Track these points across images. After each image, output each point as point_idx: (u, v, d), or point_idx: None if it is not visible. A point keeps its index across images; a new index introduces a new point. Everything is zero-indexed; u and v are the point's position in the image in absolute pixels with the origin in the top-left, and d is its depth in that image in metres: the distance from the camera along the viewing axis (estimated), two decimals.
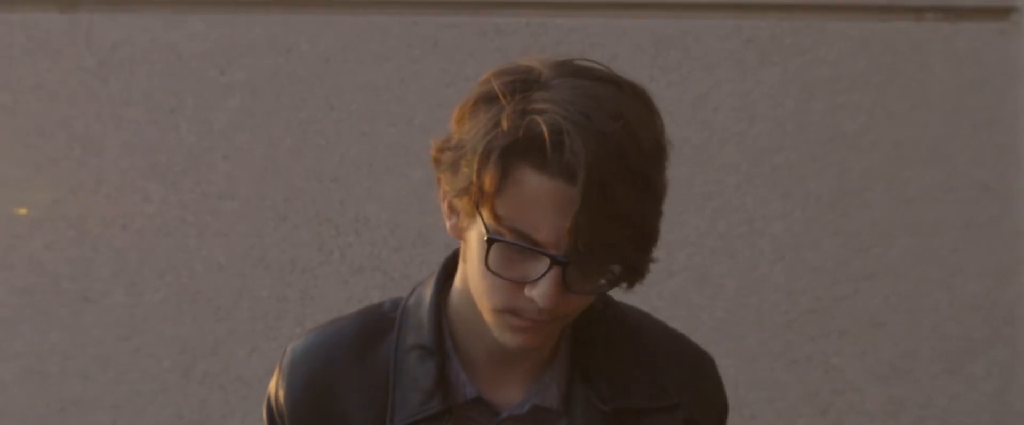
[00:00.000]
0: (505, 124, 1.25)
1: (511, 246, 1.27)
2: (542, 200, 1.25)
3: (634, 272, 1.31)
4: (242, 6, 2.40)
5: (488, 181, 1.25)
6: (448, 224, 1.34)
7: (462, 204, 1.30)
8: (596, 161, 1.23)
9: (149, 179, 2.33)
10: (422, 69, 2.37)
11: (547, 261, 1.26)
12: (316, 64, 2.37)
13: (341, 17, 2.39)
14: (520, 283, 1.28)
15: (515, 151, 1.25)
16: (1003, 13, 2.41)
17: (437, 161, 1.32)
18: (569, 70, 1.31)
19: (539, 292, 1.26)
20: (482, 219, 1.28)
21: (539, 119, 1.25)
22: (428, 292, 1.40)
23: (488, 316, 1.32)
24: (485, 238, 1.28)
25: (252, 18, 2.39)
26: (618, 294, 1.36)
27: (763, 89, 2.30)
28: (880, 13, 2.41)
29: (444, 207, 1.34)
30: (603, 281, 1.31)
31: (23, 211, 2.25)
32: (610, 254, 1.27)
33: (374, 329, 1.40)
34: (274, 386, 1.40)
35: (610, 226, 1.24)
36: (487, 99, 1.28)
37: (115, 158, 2.33)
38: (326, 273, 2.31)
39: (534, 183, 1.25)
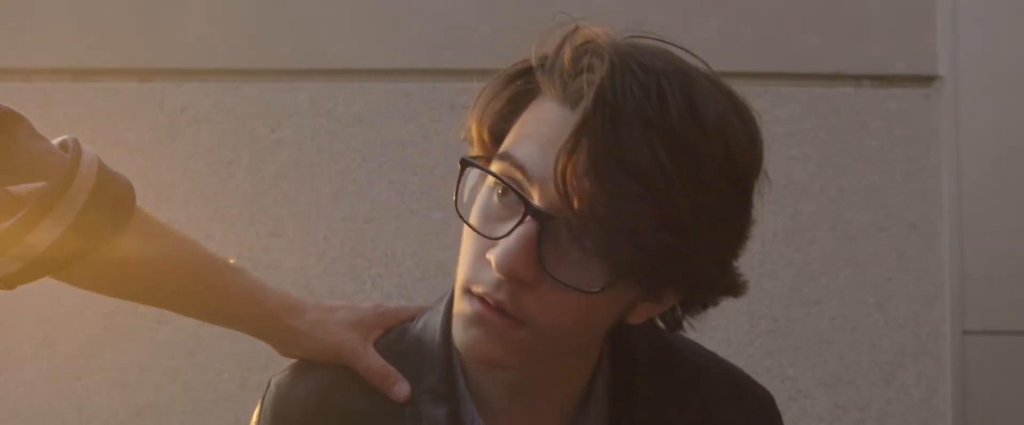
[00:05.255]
0: (535, 52, 0.98)
1: (493, 191, 0.96)
2: (542, 125, 0.94)
3: (642, 260, 0.91)
4: (289, 74, 2.42)
5: (495, 105, 0.98)
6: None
7: (474, 151, 1.02)
8: (619, 88, 0.89)
9: (211, 221, 2.38)
10: (441, 127, 2.39)
11: (521, 209, 0.92)
12: (351, 123, 2.42)
13: (372, 83, 2.41)
14: (489, 242, 0.95)
15: (534, 74, 0.97)
16: (928, 80, 2.45)
17: (466, 121, 1.04)
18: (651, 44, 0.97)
19: (498, 250, 0.92)
20: (471, 143, 1.01)
21: (572, 40, 0.96)
22: (437, 320, 1.12)
23: (454, 307, 1.01)
24: (459, 161, 0.98)
25: (297, 85, 2.41)
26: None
27: None
28: (825, 80, 2.44)
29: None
30: (600, 276, 0.92)
31: None
32: (610, 222, 0.89)
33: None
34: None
35: (617, 177, 0.88)
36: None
37: (183, 203, 2.38)
38: (360, 300, 2.16)
39: (543, 109, 0.95)
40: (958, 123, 2.47)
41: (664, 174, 0.87)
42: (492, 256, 0.92)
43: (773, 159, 2.34)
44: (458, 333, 0.99)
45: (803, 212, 2.45)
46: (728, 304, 2.27)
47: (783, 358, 2.44)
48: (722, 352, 1.22)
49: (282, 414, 1.09)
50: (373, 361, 1.12)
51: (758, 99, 2.35)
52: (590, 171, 0.87)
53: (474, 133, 1.01)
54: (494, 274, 0.92)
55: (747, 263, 2.29)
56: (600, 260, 0.91)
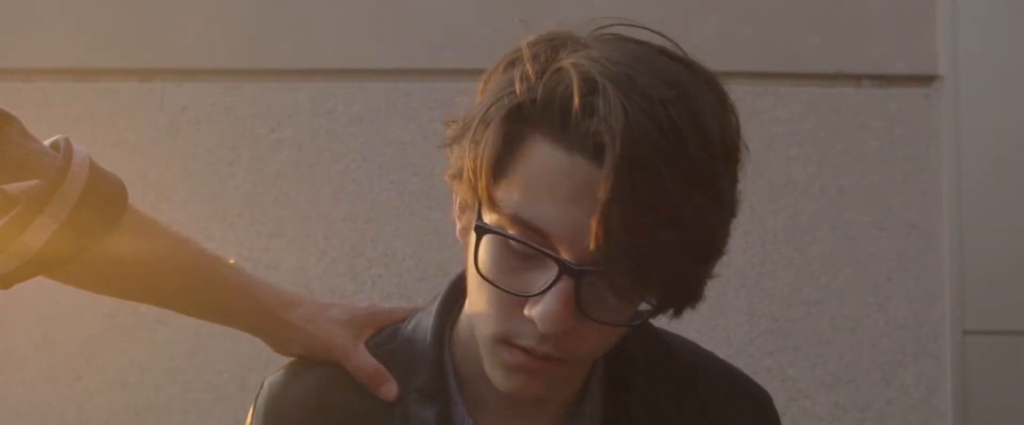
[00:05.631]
0: (518, 85, 0.91)
1: (510, 245, 0.92)
2: (555, 181, 0.89)
3: (684, 296, 0.94)
4: (289, 74, 2.42)
5: (486, 153, 0.92)
6: (458, 229, 1.04)
7: (463, 193, 0.98)
8: (637, 133, 0.85)
9: (211, 221, 2.38)
10: (441, 127, 2.06)
11: (555, 269, 0.90)
12: (351, 123, 2.42)
13: (372, 83, 2.42)
14: (519, 298, 0.92)
15: (525, 115, 0.91)
16: (928, 80, 2.45)
17: (446, 146, 1.02)
18: (617, 36, 0.96)
19: (540, 311, 0.90)
20: (478, 204, 0.95)
21: (562, 76, 0.89)
22: (429, 320, 1.10)
23: (483, 347, 1.00)
24: (473, 227, 0.94)
25: (297, 85, 2.42)
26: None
27: None
28: (826, 80, 2.44)
29: (455, 208, 1.04)
30: (636, 307, 0.94)
31: None
32: (649, 268, 0.88)
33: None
34: None
35: (654, 228, 0.87)
36: (510, 62, 0.96)
37: (183, 203, 2.38)
38: (360, 300, 2.24)
39: (546, 157, 0.89)
40: (958, 123, 2.47)
41: (696, 213, 0.87)
42: (534, 316, 0.90)
43: (773, 159, 2.45)
44: (498, 378, 0.98)
45: (803, 212, 2.44)
46: (728, 304, 2.42)
47: (783, 358, 2.43)
48: (722, 352, 1.23)
49: (275, 414, 1.09)
50: (363, 360, 1.12)
51: (758, 99, 2.43)
52: (626, 226, 0.86)
53: (467, 173, 0.95)
54: (536, 328, 0.91)
55: (747, 263, 2.43)
56: (634, 292, 0.92)
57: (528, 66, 0.91)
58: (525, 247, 0.90)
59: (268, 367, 2.25)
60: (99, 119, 2.40)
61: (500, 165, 0.91)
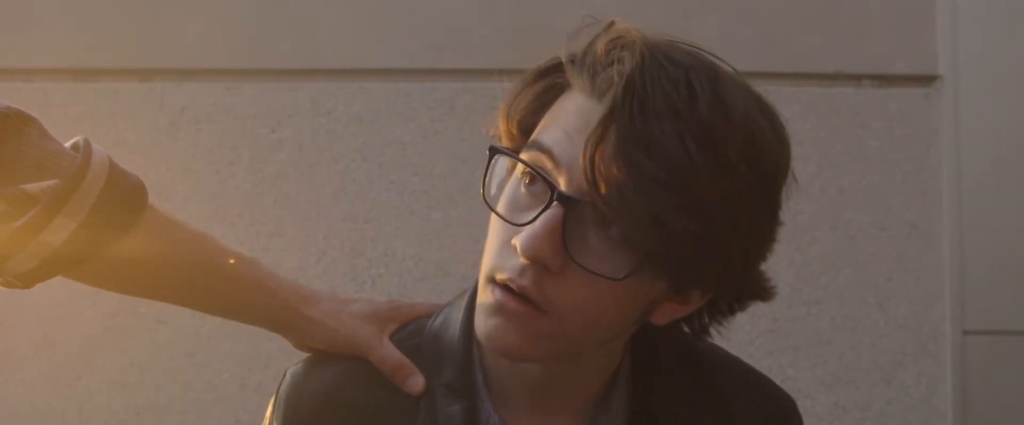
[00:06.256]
0: (565, 49, 0.99)
1: (519, 178, 0.97)
2: (569, 116, 0.95)
3: (669, 249, 0.91)
4: (289, 74, 2.42)
5: (525, 99, 0.99)
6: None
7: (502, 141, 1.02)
8: (649, 79, 0.90)
9: (211, 220, 2.38)
10: (441, 127, 2.40)
11: (548, 197, 0.93)
12: (351, 123, 2.42)
13: (372, 83, 2.42)
14: (516, 230, 0.94)
15: (561, 70, 0.98)
16: (928, 80, 2.45)
17: (499, 115, 1.03)
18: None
19: (524, 234, 0.92)
20: (500, 133, 1.02)
21: (602, 38, 0.96)
22: (458, 315, 1.10)
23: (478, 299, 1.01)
24: (488, 149, 0.98)
25: (297, 85, 2.42)
26: None
27: None
28: (826, 80, 2.44)
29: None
30: (625, 264, 0.93)
31: None
32: (635, 207, 0.89)
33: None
34: (269, 419, 1.12)
35: (644, 163, 0.89)
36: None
37: (183, 203, 2.36)
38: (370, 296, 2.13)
39: (571, 101, 0.96)
40: (958, 123, 2.47)
41: (691, 162, 0.88)
42: (517, 241, 0.92)
43: None
44: (479, 323, 0.98)
45: (803, 212, 2.44)
46: None
47: (783, 358, 2.44)
48: None
49: (296, 405, 1.08)
50: (388, 352, 1.12)
51: None
52: (618, 157, 0.88)
53: (503, 128, 1.01)
54: (519, 260, 0.92)
55: None
56: (626, 248, 0.92)
57: (581, 34, 0.96)
58: (532, 177, 0.93)
59: (268, 367, 2.38)
60: (99, 119, 2.40)
61: (533, 112, 0.97)
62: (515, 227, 0.94)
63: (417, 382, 1.09)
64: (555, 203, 0.91)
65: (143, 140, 2.42)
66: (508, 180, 0.98)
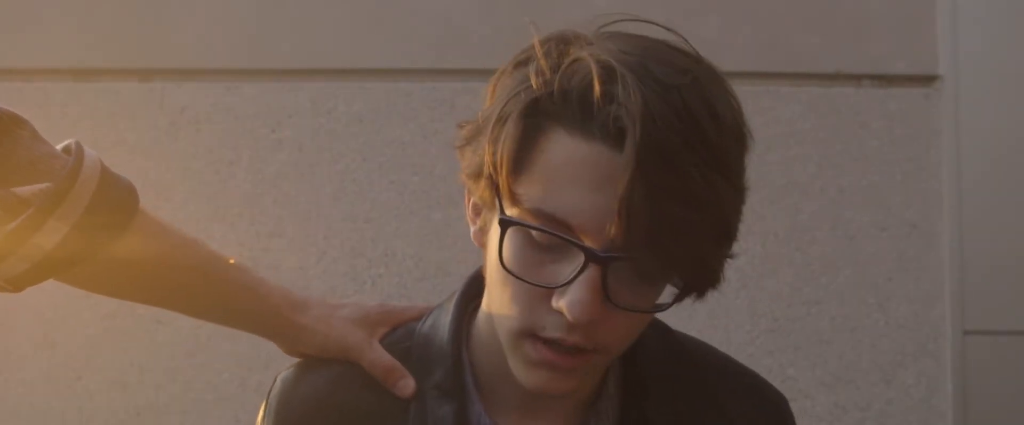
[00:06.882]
0: (534, 80, 0.92)
1: (534, 237, 0.93)
2: (577, 171, 0.90)
3: (707, 276, 0.94)
4: (289, 74, 2.42)
5: (506, 149, 0.92)
6: (472, 231, 1.04)
7: (481, 192, 0.98)
8: (656, 118, 0.87)
9: (211, 221, 2.39)
10: (441, 127, 2.39)
11: (581, 257, 0.90)
12: (351, 123, 2.42)
13: (372, 83, 2.42)
14: (544, 291, 0.93)
15: (543, 108, 0.91)
16: (928, 80, 2.45)
17: (459, 147, 1.00)
18: (623, 32, 0.97)
19: (569, 300, 0.90)
20: (498, 200, 0.95)
21: (579, 66, 0.91)
22: (446, 318, 1.10)
23: (506, 344, 0.99)
24: (497, 221, 0.95)
25: (297, 84, 2.42)
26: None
27: None
28: (826, 80, 2.44)
29: (469, 211, 1.04)
30: (660, 292, 0.96)
31: None
32: (674, 252, 0.89)
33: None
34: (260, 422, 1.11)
35: (676, 210, 0.88)
36: (520, 61, 0.97)
37: (183, 203, 2.38)
38: (360, 299, 2.12)
39: (566, 148, 0.90)
40: (958, 123, 2.47)
41: (715, 193, 0.89)
42: (563, 306, 0.90)
43: (773, 159, 2.44)
44: (524, 376, 0.98)
45: (803, 212, 2.45)
46: (729, 303, 2.42)
47: (783, 358, 2.44)
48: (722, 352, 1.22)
49: (287, 410, 1.08)
50: (378, 356, 1.12)
51: (758, 99, 2.42)
52: (650, 211, 0.86)
53: (488, 171, 0.95)
54: (562, 317, 0.92)
55: (747, 263, 2.42)
56: (659, 277, 0.94)
57: (542, 61, 0.91)
58: (549, 238, 0.90)
59: (268, 367, 2.38)
60: (99, 119, 2.40)
61: (520, 160, 0.91)
62: (547, 288, 0.92)
63: (408, 385, 1.09)
64: (592, 265, 0.90)
65: (143, 140, 2.42)
66: (506, 236, 0.95)
